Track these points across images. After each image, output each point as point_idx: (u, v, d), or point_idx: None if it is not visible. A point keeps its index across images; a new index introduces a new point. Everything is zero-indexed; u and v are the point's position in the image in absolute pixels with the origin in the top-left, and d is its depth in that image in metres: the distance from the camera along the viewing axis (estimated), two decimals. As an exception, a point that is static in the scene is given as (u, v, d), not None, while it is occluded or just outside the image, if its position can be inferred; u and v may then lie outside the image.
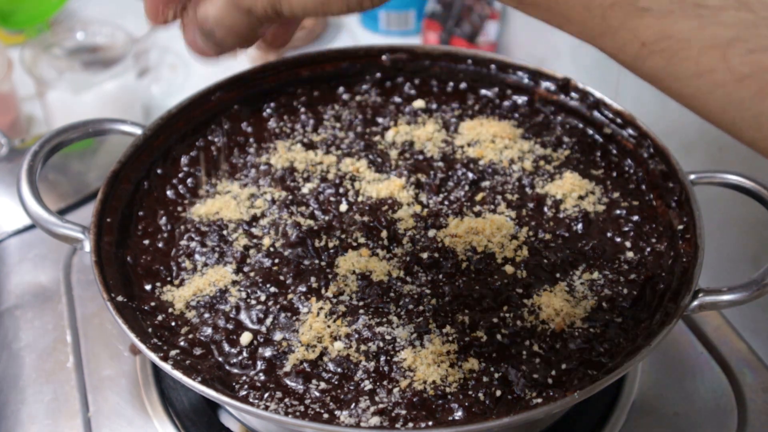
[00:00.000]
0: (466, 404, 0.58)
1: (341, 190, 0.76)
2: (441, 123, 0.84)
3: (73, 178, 0.99)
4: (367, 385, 0.60)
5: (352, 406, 0.59)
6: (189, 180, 0.78)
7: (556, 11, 0.41)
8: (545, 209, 0.74)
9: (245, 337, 0.63)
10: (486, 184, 0.76)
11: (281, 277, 0.68)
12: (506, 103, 0.86)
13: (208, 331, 0.64)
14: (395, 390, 0.59)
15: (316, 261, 0.69)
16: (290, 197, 0.75)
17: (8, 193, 0.93)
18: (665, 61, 0.39)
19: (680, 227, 0.70)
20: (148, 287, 0.68)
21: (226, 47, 0.49)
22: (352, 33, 1.38)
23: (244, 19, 0.46)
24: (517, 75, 0.86)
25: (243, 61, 1.26)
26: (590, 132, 0.82)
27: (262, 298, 0.66)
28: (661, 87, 0.41)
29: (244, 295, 0.67)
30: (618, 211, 0.73)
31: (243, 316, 0.65)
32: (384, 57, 0.88)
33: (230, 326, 0.64)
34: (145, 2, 0.51)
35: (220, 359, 0.62)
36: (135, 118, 0.93)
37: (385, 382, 0.60)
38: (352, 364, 0.61)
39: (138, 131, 0.78)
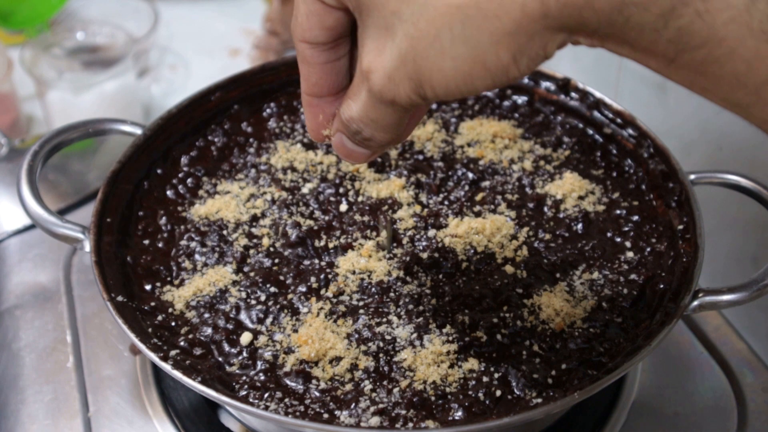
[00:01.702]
0: (466, 404, 0.58)
1: (341, 190, 0.76)
2: (441, 123, 0.84)
3: (73, 178, 0.99)
4: (367, 385, 0.60)
5: (352, 406, 0.58)
6: (189, 180, 0.78)
7: (709, 75, 0.39)
8: (545, 209, 0.74)
9: (245, 337, 0.63)
10: (486, 184, 0.76)
11: (281, 277, 0.68)
12: (506, 103, 0.86)
13: (208, 331, 0.64)
14: (395, 390, 0.59)
15: (316, 261, 0.69)
16: (290, 197, 0.75)
17: (8, 193, 0.93)
18: None
19: (680, 227, 0.70)
20: (148, 287, 0.68)
21: (376, 144, 0.47)
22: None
23: (389, 110, 0.44)
24: (517, 75, 0.86)
25: (243, 61, 1.26)
26: (590, 132, 0.82)
27: (262, 298, 0.66)
28: None
29: (244, 295, 0.67)
30: (618, 211, 0.73)
31: (243, 316, 0.65)
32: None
33: (230, 326, 0.64)
34: (307, 122, 0.50)
35: (220, 359, 0.62)
36: (135, 118, 0.93)
37: (385, 382, 0.60)
38: (351, 364, 0.61)
39: (138, 131, 0.78)
